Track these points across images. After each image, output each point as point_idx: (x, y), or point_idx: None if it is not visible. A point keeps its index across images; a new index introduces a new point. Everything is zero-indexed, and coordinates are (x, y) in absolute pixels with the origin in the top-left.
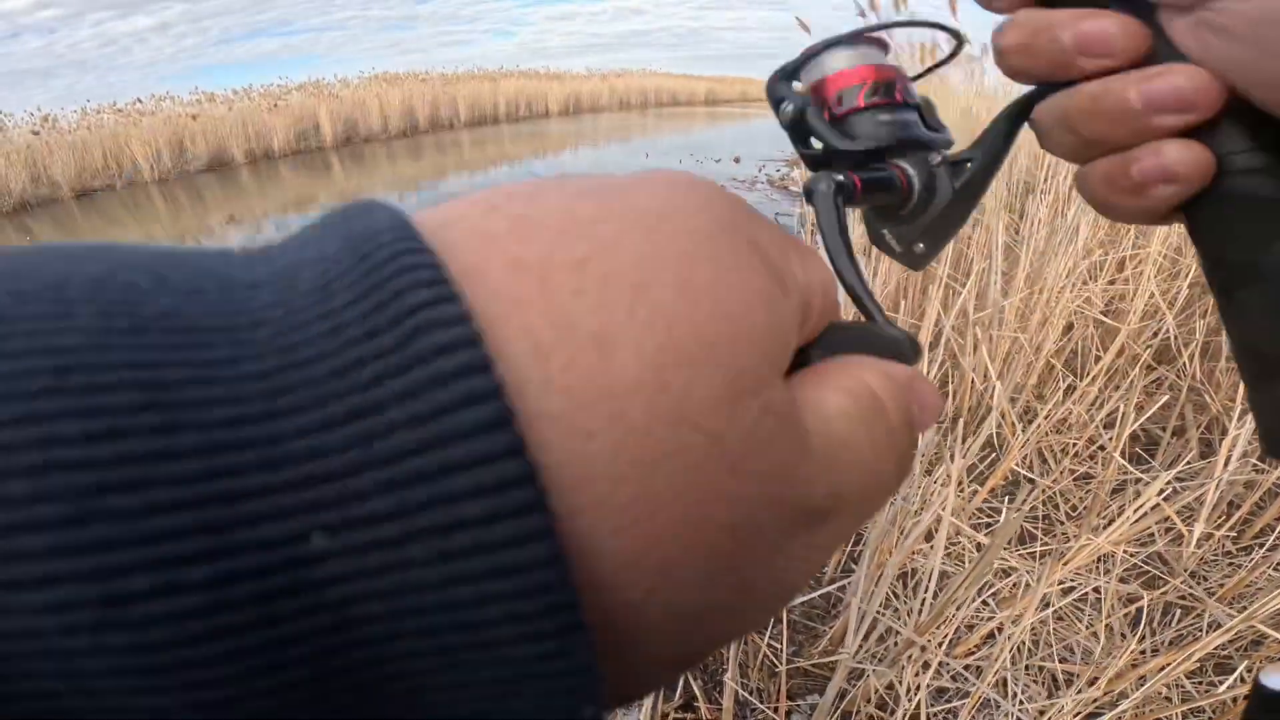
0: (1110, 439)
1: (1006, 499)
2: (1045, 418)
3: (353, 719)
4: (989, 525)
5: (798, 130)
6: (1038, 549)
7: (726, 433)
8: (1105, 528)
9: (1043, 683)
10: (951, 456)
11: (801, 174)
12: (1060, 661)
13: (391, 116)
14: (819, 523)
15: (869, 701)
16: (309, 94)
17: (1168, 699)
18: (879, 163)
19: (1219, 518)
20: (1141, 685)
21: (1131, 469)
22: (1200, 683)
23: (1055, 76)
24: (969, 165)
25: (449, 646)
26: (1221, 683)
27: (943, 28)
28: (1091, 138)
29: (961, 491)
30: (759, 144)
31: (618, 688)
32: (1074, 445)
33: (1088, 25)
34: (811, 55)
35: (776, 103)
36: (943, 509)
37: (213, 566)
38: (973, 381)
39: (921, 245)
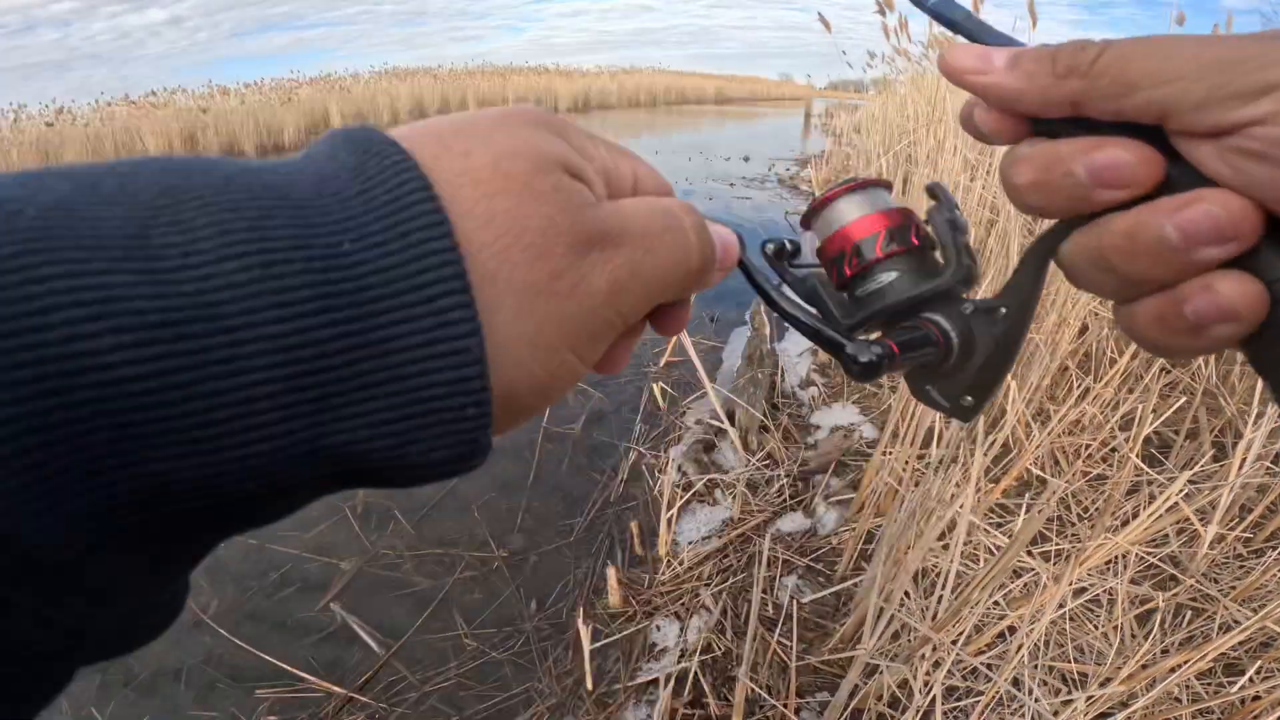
0: (1125, 440)
1: (1019, 499)
2: (1060, 419)
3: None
4: (1000, 525)
5: (812, 302)
6: (1051, 549)
7: (534, 184)
8: (1119, 529)
9: (1051, 684)
10: (967, 456)
11: (815, 175)
12: (1072, 661)
13: (401, 111)
14: (611, 245)
15: (880, 699)
16: (320, 88)
17: (1177, 699)
18: (908, 320)
19: (1231, 520)
20: (1153, 686)
21: (1147, 470)
22: (1209, 684)
23: (1075, 211)
24: (1003, 312)
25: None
26: (1232, 684)
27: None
28: (1132, 277)
29: (976, 490)
30: (768, 142)
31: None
32: (1088, 447)
33: (1100, 157)
34: (817, 210)
35: (780, 281)
36: (961, 508)
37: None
38: None
39: (970, 398)
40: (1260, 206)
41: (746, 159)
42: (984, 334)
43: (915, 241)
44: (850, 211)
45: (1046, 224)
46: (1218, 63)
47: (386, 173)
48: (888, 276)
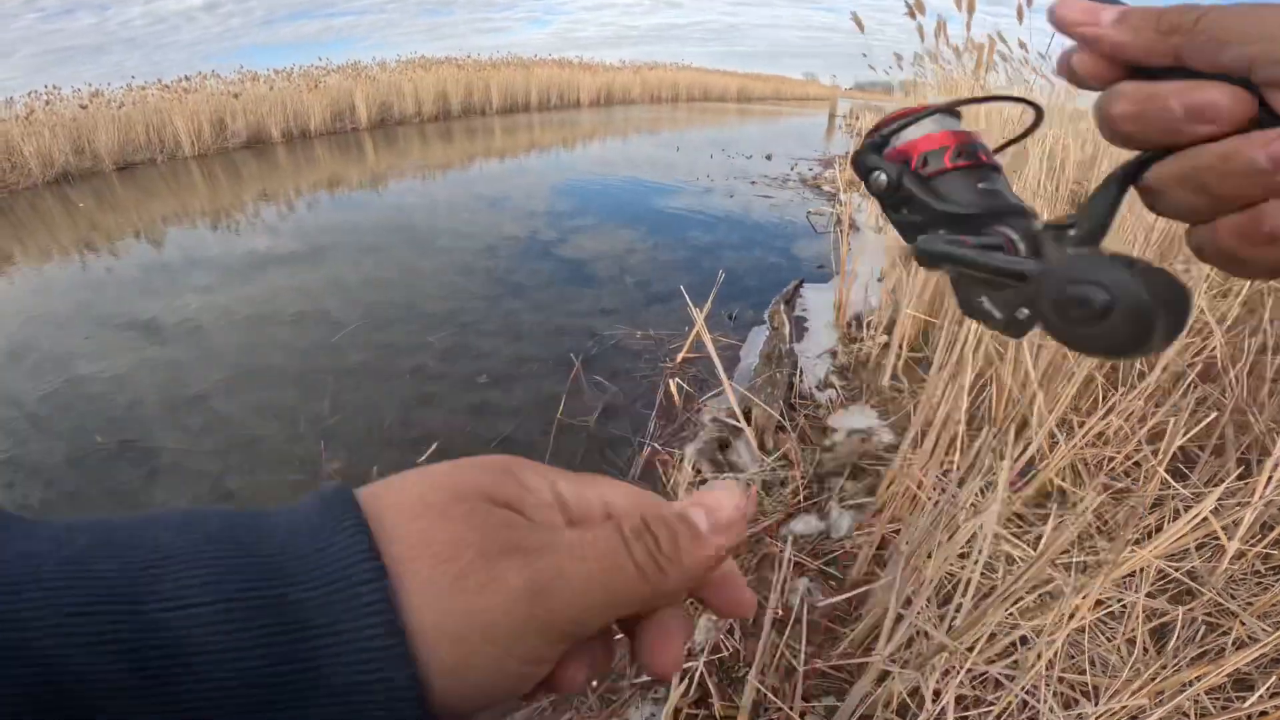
0: (1153, 454)
1: (1038, 508)
2: (1087, 431)
3: None
4: (1020, 534)
5: (892, 198)
6: (1071, 560)
7: (448, 510)
8: (1140, 542)
9: (1062, 694)
10: (996, 464)
11: (842, 173)
12: (1086, 673)
13: (425, 100)
14: (532, 553)
15: (888, 706)
16: (347, 76)
17: (1185, 715)
18: (982, 227)
19: (1252, 537)
20: (1166, 700)
21: (1173, 484)
22: (1217, 698)
23: (1163, 142)
24: (1072, 232)
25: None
26: (1242, 699)
27: (1025, 101)
28: (1223, 196)
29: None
30: (791, 142)
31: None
32: (1111, 459)
33: (1199, 96)
34: (895, 127)
35: (867, 172)
36: (985, 519)
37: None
38: (1011, 390)
39: (1025, 310)
40: None
41: (769, 158)
42: (1051, 250)
43: (984, 159)
44: (924, 128)
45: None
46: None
47: (338, 535)
48: (958, 186)
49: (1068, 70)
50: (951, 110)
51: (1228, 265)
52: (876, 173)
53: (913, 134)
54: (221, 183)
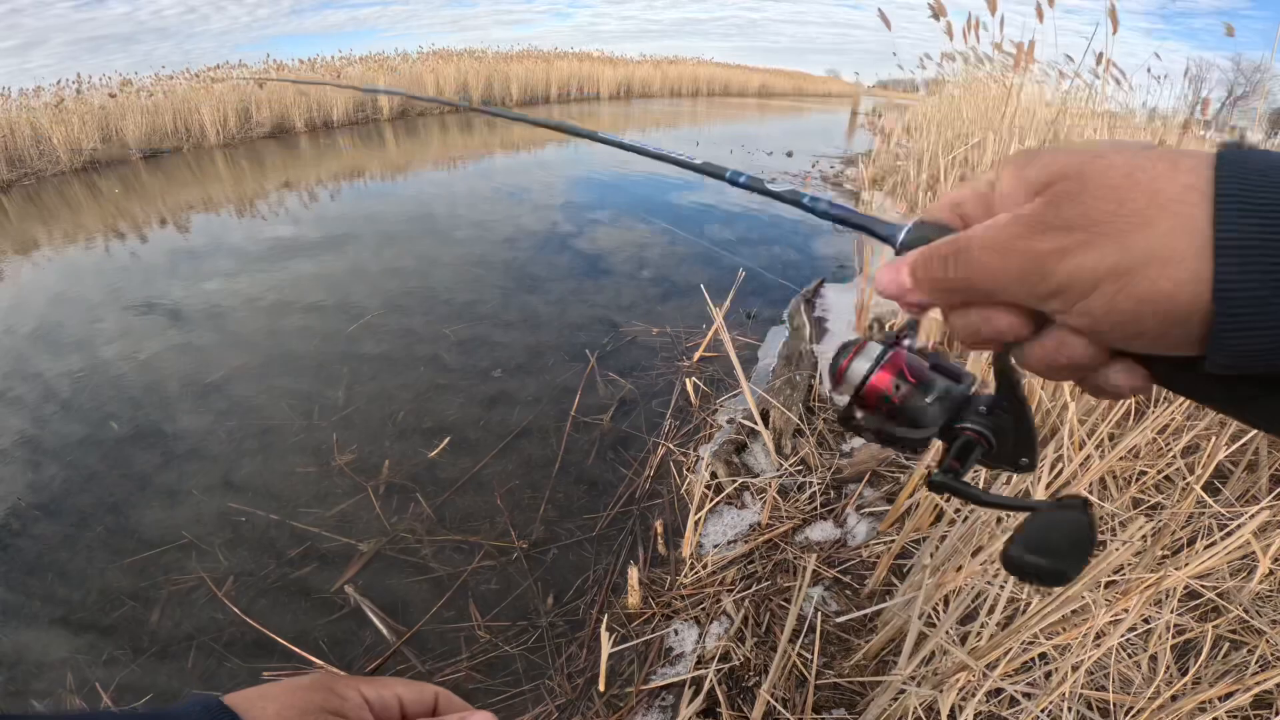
0: (1187, 469)
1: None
2: (1123, 446)
3: None
4: None
5: (880, 439)
6: (1101, 579)
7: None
8: (1169, 558)
9: (1078, 710)
10: (1031, 481)
11: (865, 174)
12: (1102, 690)
13: (446, 92)
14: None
15: None
16: (369, 66)
17: None
18: (951, 434)
19: None
20: (1191, 717)
21: (1210, 501)
22: (1234, 716)
23: (998, 347)
24: (1004, 404)
25: None
26: (1260, 718)
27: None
28: (1056, 373)
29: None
30: (812, 139)
31: None
32: (1143, 473)
33: (992, 325)
34: (861, 380)
35: (846, 421)
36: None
37: None
38: (1041, 399)
39: (1025, 459)
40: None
41: (790, 154)
42: (1003, 419)
43: (924, 376)
44: (860, 370)
45: None
46: (1020, 272)
47: None
48: (917, 409)
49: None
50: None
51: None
52: (855, 415)
53: (865, 375)
54: (245, 171)
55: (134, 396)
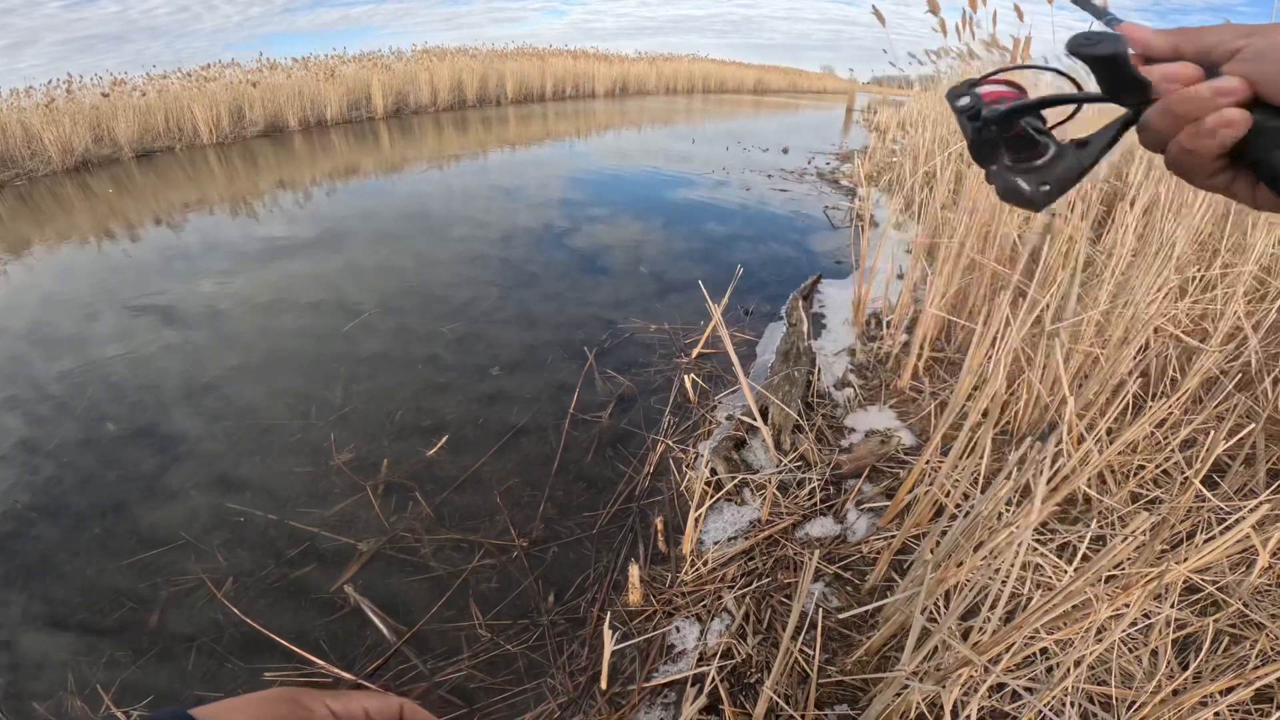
0: (1185, 463)
1: (1063, 517)
2: (1122, 440)
3: None
4: (1043, 542)
5: (970, 115)
6: (1102, 574)
7: None
8: (1168, 552)
9: (1080, 705)
10: (1033, 477)
11: (860, 170)
12: (1104, 685)
13: (440, 90)
14: None
15: (904, 717)
16: (363, 65)
17: None
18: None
19: None
20: (1191, 714)
21: (1209, 495)
22: (1236, 711)
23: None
24: (1086, 147)
25: None
26: (1262, 712)
27: (1061, 72)
28: (1182, 115)
29: (1017, 507)
30: (807, 135)
31: None
32: (1142, 467)
33: (1168, 69)
34: (975, 83)
35: (956, 98)
36: (1022, 534)
37: None
38: (1040, 394)
39: (1046, 187)
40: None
41: (785, 151)
42: (1070, 150)
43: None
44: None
45: None
46: (1234, 29)
47: None
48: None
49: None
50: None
51: (1176, 164)
52: (963, 98)
53: (990, 85)
54: (239, 170)
55: (130, 397)
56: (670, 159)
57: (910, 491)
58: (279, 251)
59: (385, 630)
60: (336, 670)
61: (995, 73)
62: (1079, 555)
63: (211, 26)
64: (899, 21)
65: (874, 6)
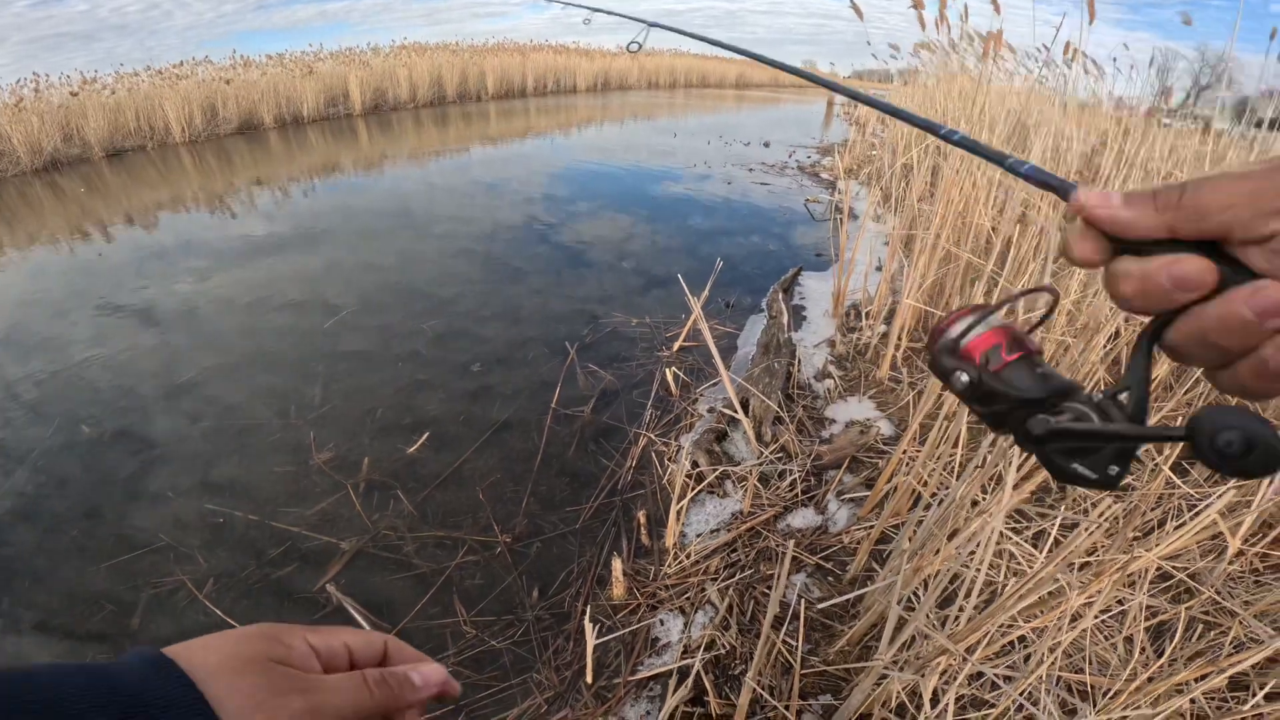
0: (1156, 449)
1: (1036, 504)
2: None
3: None
4: (1018, 530)
5: (974, 394)
6: (1074, 560)
7: (244, 669)
8: (1140, 539)
9: (1057, 694)
10: (1003, 465)
11: (839, 164)
12: (1086, 673)
13: (420, 86)
14: (308, 690)
15: (885, 705)
16: (340, 61)
17: (1181, 716)
18: (1054, 410)
19: (1252, 536)
20: (1163, 702)
21: (1179, 482)
22: (1212, 699)
23: (1166, 308)
24: (1124, 397)
25: None
26: (1238, 701)
27: (1044, 289)
28: (1230, 348)
29: (991, 495)
30: (788, 129)
31: None
32: None
33: (1179, 269)
34: (963, 329)
35: (947, 374)
36: (994, 521)
37: None
38: None
39: (1115, 467)
40: None
41: (767, 145)
42: (1117, 414)
43: (1031, 349)
44: (975, 330)
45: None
46: (1255, 192)
47: (176, 688)
48: (1023, 374)
49: (1071, 255)
50: (990, 309)
51: (1250, 398)
52: (958, 373)
53: (971, 336)
54: (213, 169)
55: (106, 399)
56: (653, 154)
57: (889, 481)
58: (257, 250)
59: (369, 629)
60: None
61: (958, 319)
62: (1051, 541)
63: (183, 24)
64: (880, 15)
65: (852, 1)
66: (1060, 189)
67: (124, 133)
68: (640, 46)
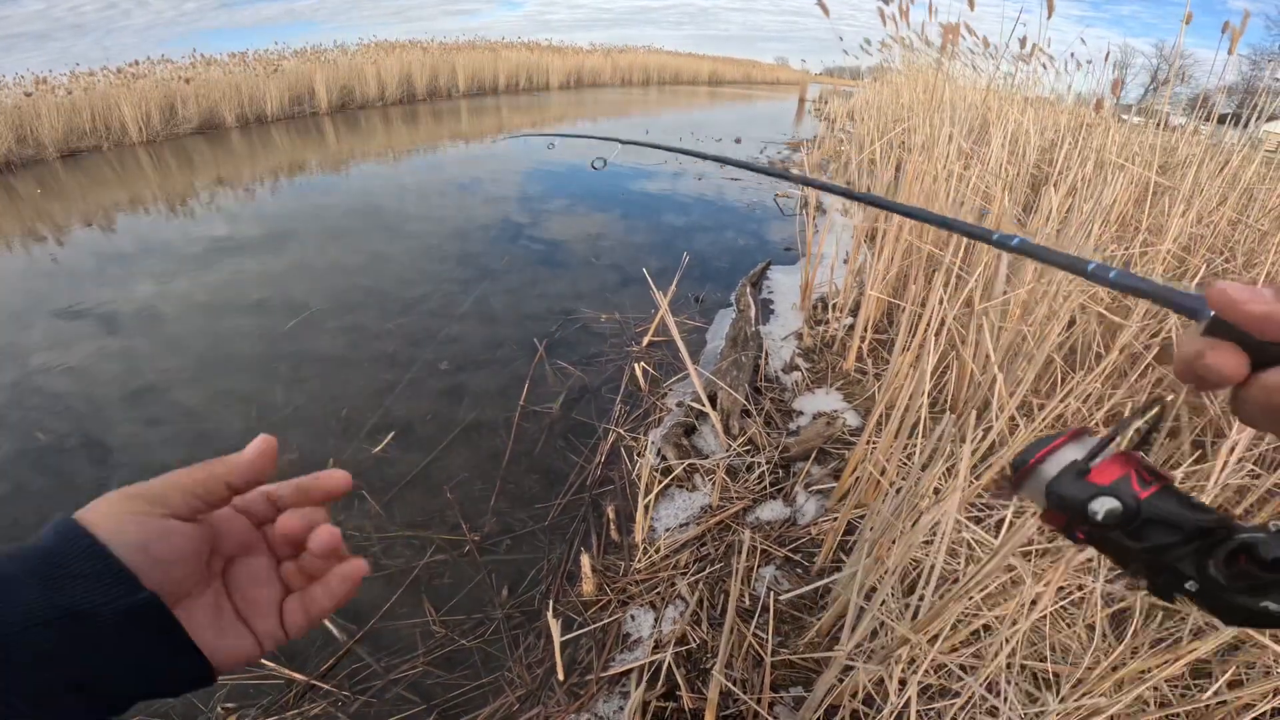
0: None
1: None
2: (1047, 414)
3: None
4: (979, 520)
5: (1131, 525)
6: (1033, 548)
7: (136, 517)
8: None
9: (1021, 685)
10: (955, 449)
11: (807, 159)
12: (1047, 660)
13: (389, 84)
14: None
15: (854, 696)
16: (306, 60)
17: (1145, 703)
18: (1224, 539)
19: None
20: (1125, 689)
21: None
22: (1175, 686)
23: None
24: None
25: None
26: (1199, 688)
27: (1157, 404)
28: None
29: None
30: (760, 125)
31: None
32: None
33: None
34: (1094, 450)
35: (1083, 505)
36: (946, 507)
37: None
38: (972, 372)
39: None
40: None
41: (738, 140)
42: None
43: (1163, 475)
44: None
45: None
46: None
47: (81, 539)
48: (1170, 506)
49: (1198, 374)
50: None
51: None
52: (1101, 499)
53: (1099, 460)
54: (172, 169)
55: (63, 405)
56: (626, 151)
57: (853, 472)
58: (220, 251)
59: (336, 630)
60: (288, 672)
61: (1065, 442)
62: (1007, 528)
63: (142, 23)
64: (850, 12)
65: (819, 1)
66: (1185, 306)
67: (79, 133)
68: (605, 163)
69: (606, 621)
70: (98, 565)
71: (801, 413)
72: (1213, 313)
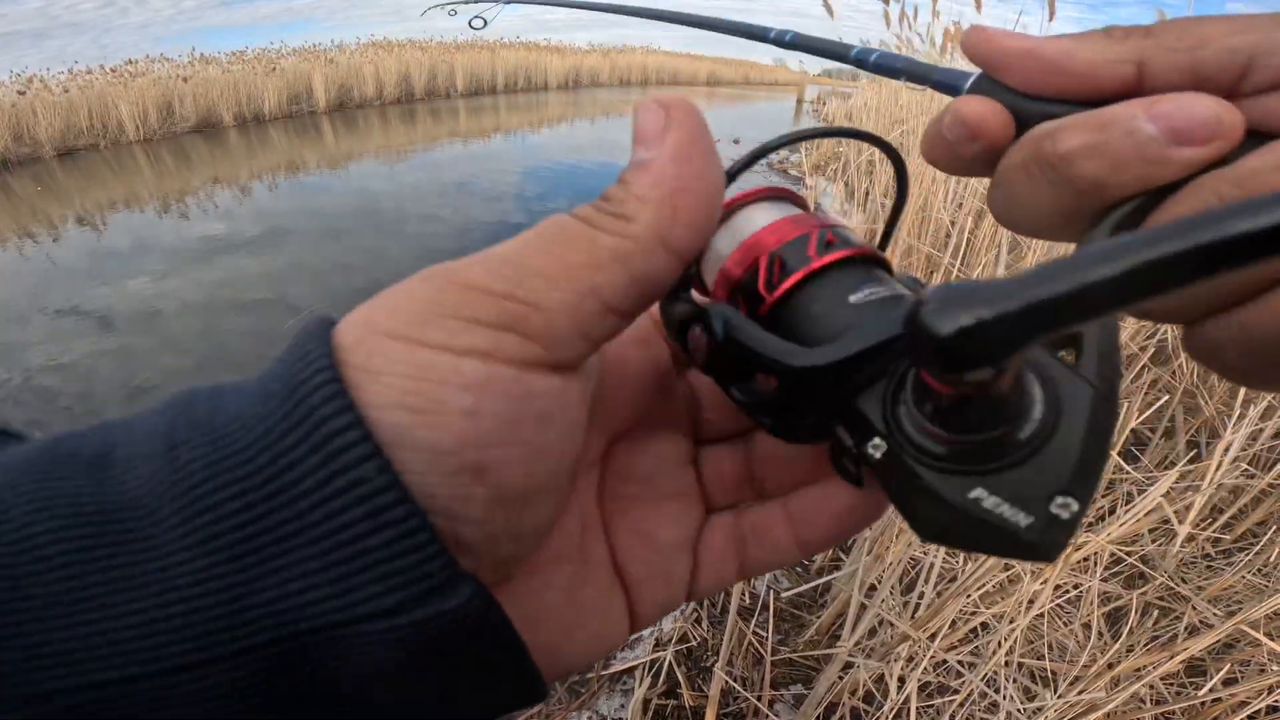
0: None
1: None
2: None
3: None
4: None
5: (727, 356)
6: None
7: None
8: (1091, 526)
9: (1020, 681)
10: None
11: (807, 158)
12: (1046, 659)
13: (387, 83)
14: None
15: (854, 694)
16: (304, 58)
17: (1142, 700)
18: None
19: (1203, 521)
20: (1121, 686)
21: (1126, 467)
22: (1171, 684)
23: (1146, 185)
24: (1083, 341)
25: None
26: (1195, 685)
27: (874, 140)
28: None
29: None
30: (758, 126)
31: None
32: None
33: (1170, 106)
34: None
35: (680, 326)
36: None
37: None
38: None
39: (1067, 499)
40: None
41: (737, 141)
42: (1069, 380)
43: (869, 252)
44: (762, 217)
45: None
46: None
47: (309, 399)
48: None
49: (947, 126)
50: (791, 197)
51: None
52: (691, 327)
53: (755, 222)
54: (169, 168)
55: (59, 404)
56: (625, 151)
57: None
58: (218, 250)
59: None
60: None
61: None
62: None
63: (139, 21)
64: (849, 14)
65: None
66: (946, 84)
67: (76, 132)
68: (485, 24)
69: None
70: None
71: None
72: (974, 75)
